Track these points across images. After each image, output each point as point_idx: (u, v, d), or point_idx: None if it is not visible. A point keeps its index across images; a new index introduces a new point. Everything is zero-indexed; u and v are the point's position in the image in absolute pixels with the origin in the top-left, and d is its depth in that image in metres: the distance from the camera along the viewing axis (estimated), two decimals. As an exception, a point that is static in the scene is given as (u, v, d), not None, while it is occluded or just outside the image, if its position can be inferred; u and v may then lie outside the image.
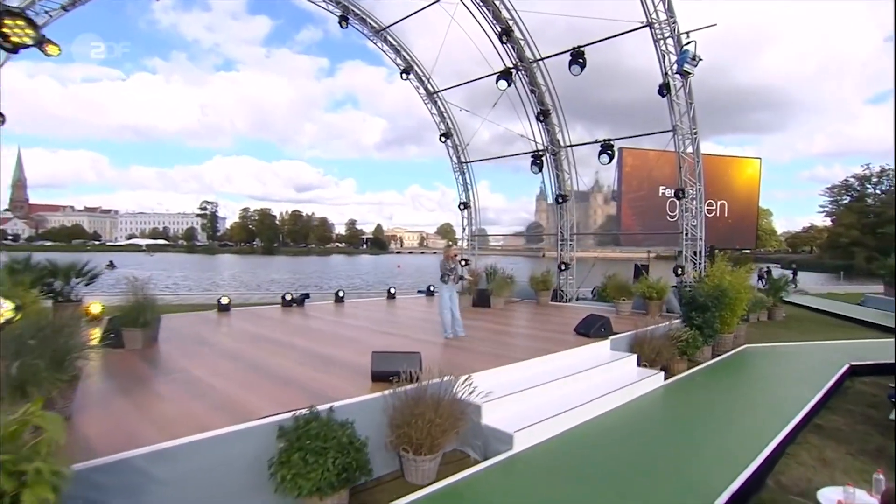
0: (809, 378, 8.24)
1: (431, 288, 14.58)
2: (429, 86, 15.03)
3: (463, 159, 16.16)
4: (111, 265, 56.47)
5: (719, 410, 6.97)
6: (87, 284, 9.45)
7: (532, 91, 13.32)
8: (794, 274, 23.99)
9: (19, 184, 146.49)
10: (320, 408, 4.39)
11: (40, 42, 8.90)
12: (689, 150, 11.57)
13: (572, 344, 8.29)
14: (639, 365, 8.32)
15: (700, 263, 11.72)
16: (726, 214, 17.98)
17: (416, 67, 14.56)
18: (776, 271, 19.03)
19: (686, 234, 11.92)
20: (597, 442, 5.66)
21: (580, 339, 8.67)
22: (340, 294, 13.57)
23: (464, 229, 16.82)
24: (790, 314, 16.63)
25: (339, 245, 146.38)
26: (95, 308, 9.28)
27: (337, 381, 5.77)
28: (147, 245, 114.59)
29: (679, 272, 11.70)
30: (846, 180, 64.44)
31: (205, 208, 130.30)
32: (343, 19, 13.18)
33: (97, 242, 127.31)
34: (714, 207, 17.88)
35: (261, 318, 10.82)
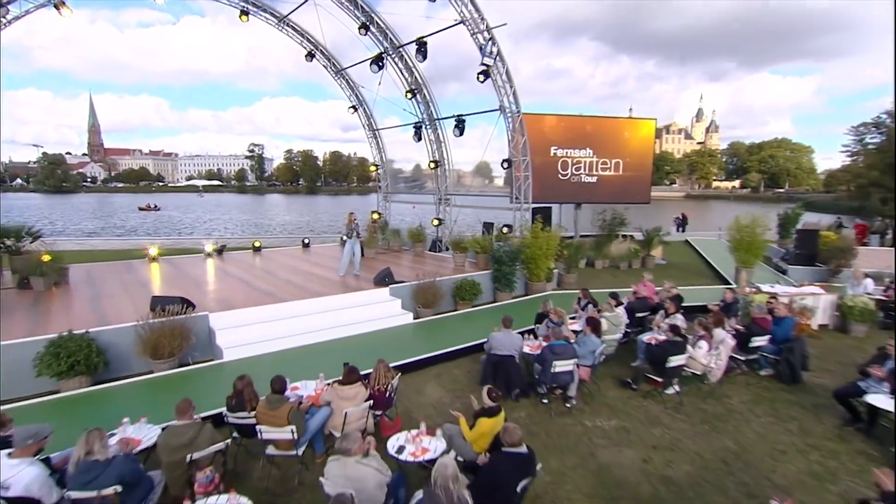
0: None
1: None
2: (335, 64, 16.95)
3: (375, 126, 18.23)
4: (150, 207, 62.28)
5: (418, 337, 9.43)
6: (32, 241, 12.61)
7: (402, 72, 15.08)
8: (682, 222, 24.78)
9: (94, 129, 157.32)
10: (91, 330, 7.28)
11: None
12: (515, 125, 13.19)
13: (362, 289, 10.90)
14: (415, 308, 10.76)
15: (517, 225, 13.65)
16: (621, 172, 19.19)
17: (318, 49, 16.44)
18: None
19: (515, 199, 13.82)
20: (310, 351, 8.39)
21: (372, 286, 11.18)
22: (256, 244, 16.53)
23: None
24: (679, 261, 18.08)
25: (379, 183, 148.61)
26: (46, 257, 12.55)
27: (132, 312, 8.62)
28: (203, 186, 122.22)
29: (504, 231, 13.71)
30: (878, 117, 59.76)
31: (252, 151, 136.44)
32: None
33: (161, 184, 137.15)
34: (609, 165, 19.12)
35: (171, 266, 13.87)
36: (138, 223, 44.59)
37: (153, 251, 14.74)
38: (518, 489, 4.07)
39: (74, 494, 3.71)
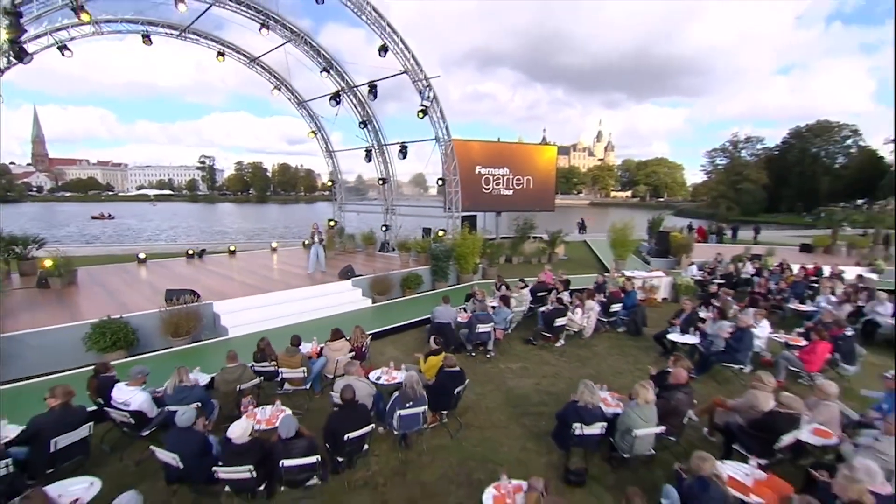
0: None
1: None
2: (298, 97, 18.10)
3: (331, 148, 19.54)
4: (104, 216, 58.61)
5: (376, 316, 11.08)
6: (38, 248, 12.94)
7: (356, 107, 16.60)
8: (582, 226, 28.24)
9: (38, 140, 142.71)
10: (124, 315, 8.31)
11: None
12: (448, 150, 15.10)
13: (329, 281, 12.31)
14: (372, 295, 12.30)
15: (449, 229, 15.59)
16: (531, 187, 21.73)
17: (284, 84, 17.55)
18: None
19: (448, 209, 15.74)
20: (295, 328, 9.73)
21: (337, 279, 12.62)
22: (232, 248, 17.34)
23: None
24: (577, 256, 20.71)
25: (325, 193, 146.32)
26: (48, 262, 12.89)
27: (145, 302, 9.63)
28: (154, 195, 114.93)
29: (440, 235, 15.59)
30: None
31: (203, 162, 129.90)
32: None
33: (111, 193, 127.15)
34: (522, 181, 21.62)
35: (161, 267, 14.57)
36: (99, 231, 42.32)
37: (142, 255, 15.26)
38: (455, 392, 5.93)
39: (173, 408, 5.13)
